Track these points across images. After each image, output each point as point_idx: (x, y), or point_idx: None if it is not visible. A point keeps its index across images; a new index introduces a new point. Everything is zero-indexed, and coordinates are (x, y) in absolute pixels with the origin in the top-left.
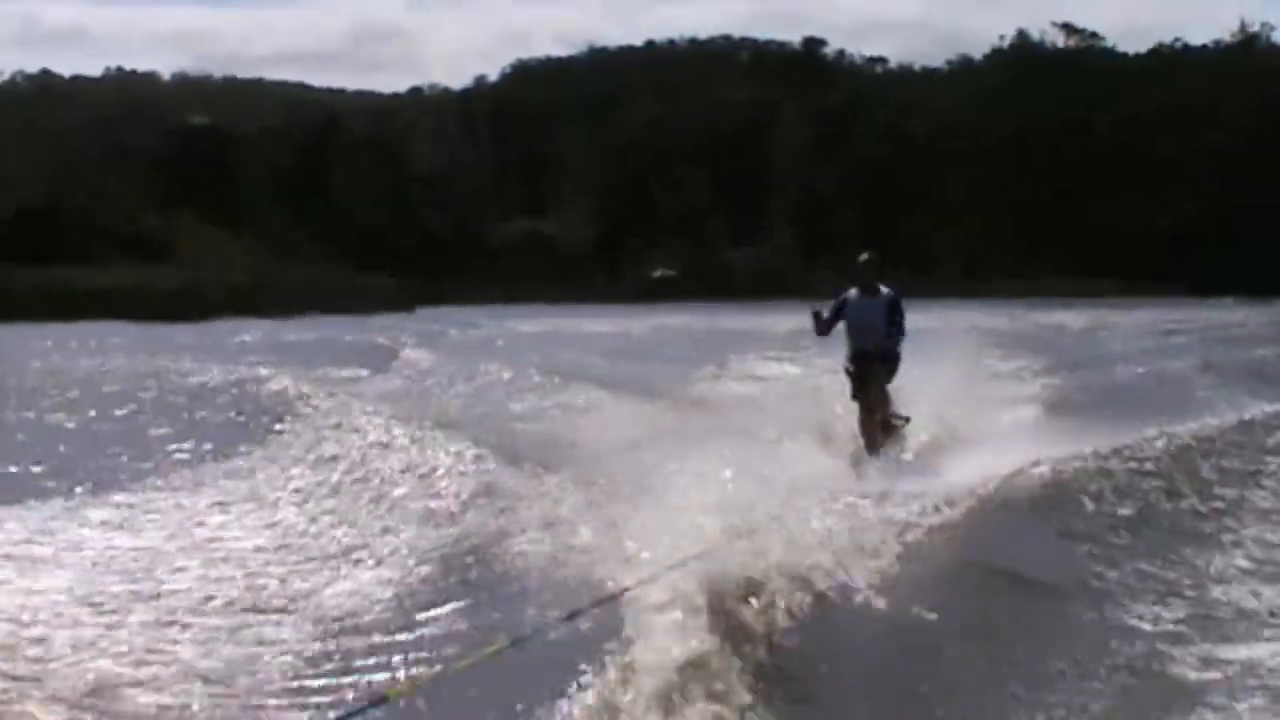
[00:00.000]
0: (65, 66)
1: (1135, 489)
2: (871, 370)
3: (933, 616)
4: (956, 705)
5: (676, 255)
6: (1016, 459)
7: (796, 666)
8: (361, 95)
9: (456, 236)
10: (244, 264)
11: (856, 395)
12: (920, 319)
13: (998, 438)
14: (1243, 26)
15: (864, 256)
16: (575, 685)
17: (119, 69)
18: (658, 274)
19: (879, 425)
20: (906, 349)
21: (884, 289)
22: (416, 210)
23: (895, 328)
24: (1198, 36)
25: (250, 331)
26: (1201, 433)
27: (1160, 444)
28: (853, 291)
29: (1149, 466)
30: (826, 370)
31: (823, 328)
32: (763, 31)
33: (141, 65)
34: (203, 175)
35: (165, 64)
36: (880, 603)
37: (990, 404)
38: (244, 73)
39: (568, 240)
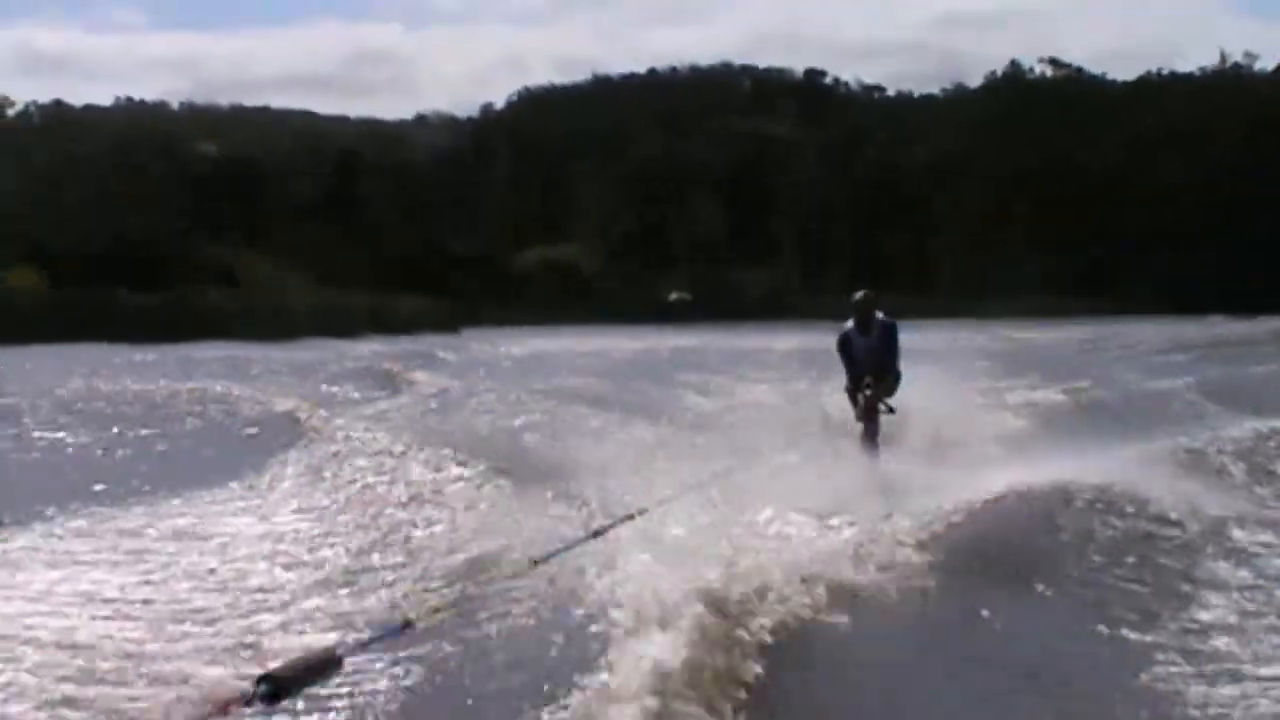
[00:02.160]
0: (59, 93)
1: (1120, 504)
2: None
3: (916, 629)
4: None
5: (688, 280)
6: (1005, 473)
7: (779, 680)
8: (367, 122)
9: (482, 263)
10: (299, 288)
11: (860, 416)
12: (916, 340)
13: (986, 452)
14: (1223, 57)
15: (859, 295)
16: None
17: (129, 99)
18: (673, 297)
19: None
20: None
21: (880, 316)
22: (444, 238)
23: (892, 357)
24: (1183, 65)
25: (355, 347)
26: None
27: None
28: (850, 326)
29: (1133, 483)
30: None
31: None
32: (762, 57)
33: (135, 91)
34: (237, 205)
35: (160, 90)
36: (865, 616)
37: (978, 418)
38: (239, 98)
39: (585, 266)
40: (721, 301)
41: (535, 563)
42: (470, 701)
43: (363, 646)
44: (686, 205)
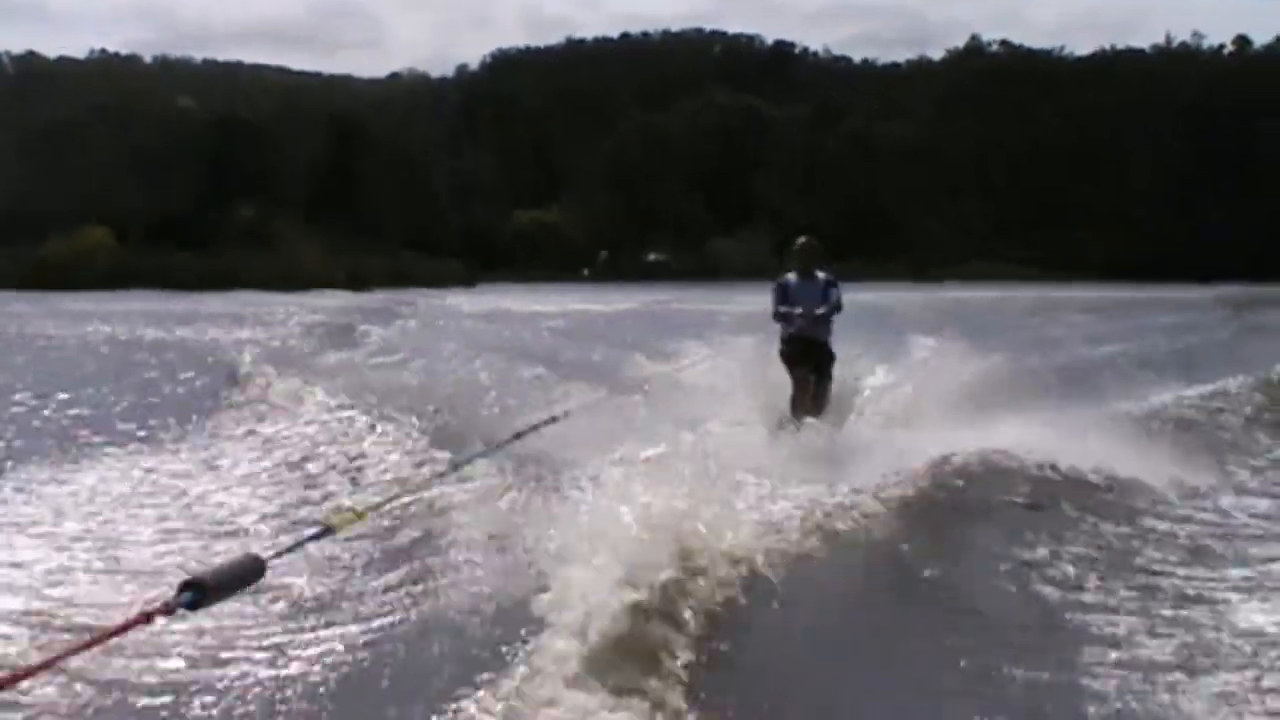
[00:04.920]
0: (22, 43)
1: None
2: (807, 364)
3: (857, 597)
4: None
5: (667, 244)
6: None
7: (723, 651)
8: (341, 80)
9: (477, 225)
10: (322, 248)
11: (792, 372)
12: (874, 296)
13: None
14: (1168, 39)
15: (800, 241)
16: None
17: (103, 51)
18: (651, 258)
19: (813, 401)
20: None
21: (821, 274)
22: (437, 199)
23: (829, 305)
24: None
25: (403, 297)
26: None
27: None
28: (791, 275)
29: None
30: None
31: (776, 314)
32: (729, 21)
33: (99, 42)
34: (243, 168)
35: (125, 41)
36: (805, 587)
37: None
38: (203, 50)
39: (571, 230)
40: (701, 265)
41: (456, 465)
42: (385, 601)
43: (285, 552)
44: (665, 177)
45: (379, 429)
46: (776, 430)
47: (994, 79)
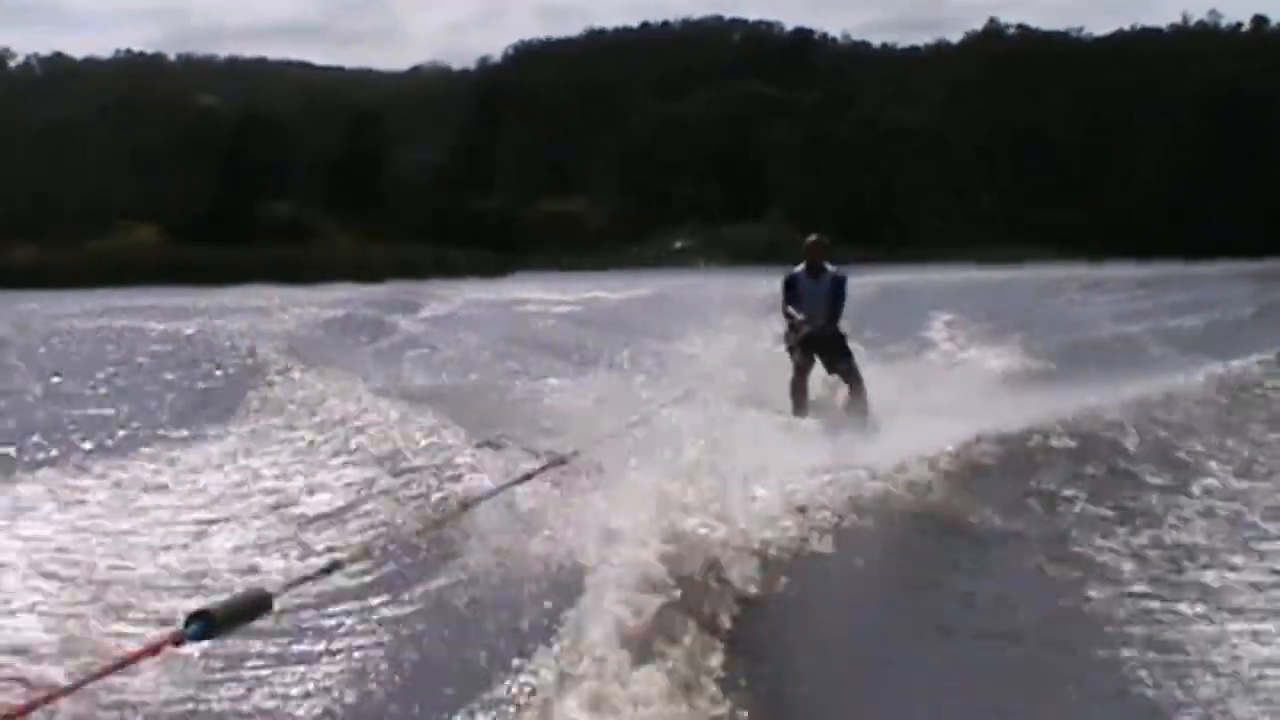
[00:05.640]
0: (40, 45)
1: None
2: (821, 353)
3: (882, 577)
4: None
5: (690, 232)
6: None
7: (751, 630)
8: (363, 73)
9: (500, 215)
10: (360, 241)
11: (794, 358)
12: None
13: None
14: (1185, 18)
15: (811, 238)
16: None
17: (127, 51)
18: (678, 245)
19: (847, 378)
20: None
21: (830, 268)
22: (462, 194)
23: (835, 311)
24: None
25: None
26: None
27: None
28: (800, 270)
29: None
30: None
31: (785, 312)
32: (748, 8)
33: (112, 41)
34: (267, 164)
35: (147, 40)
36: (833, 566)
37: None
38: (219, 47)
39: (594, 219)
40: (721, 251)
41: (465, 506)
42: (393, 639)
43: (292, 586)
44: (685, 166)
45: (443, 430)
46: (790, 425)
47: (1009, 61)
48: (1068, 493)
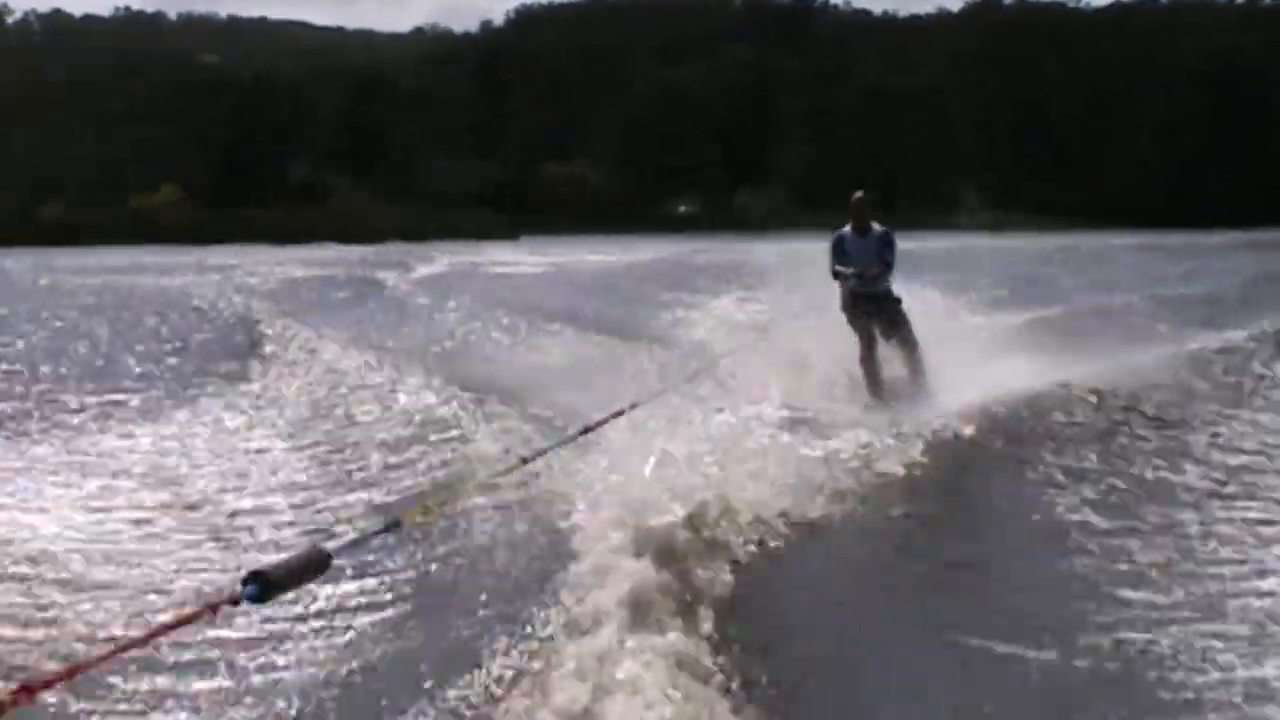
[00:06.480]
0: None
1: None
2: (874, 320)
3: (891, 549)
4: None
5: (694, 197)
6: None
7: (754, 598)
8: (364, 35)
9: (510, 179)
10: (372, 204)
11: (855, 326)
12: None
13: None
14: None
15: (857, 195)
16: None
17: (126, 9)
18: (682, 210)
19: (902, 347)
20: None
21: (876, 226)
22: (465, 154)
23: (886, 265)
24: None
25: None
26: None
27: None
28: (847, 229)
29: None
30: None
31: (834, 272)
32: None
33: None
34: (273, 125)
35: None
36: (844, 535)
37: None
38: (218, 5)
39: (600, 184)
40: (725, 216)
41: (524, 460)
42: (455, 599)
43: (352, 545)
44: (687, 133)
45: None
46: (864, 410)
47: (1008, 31)
48: (1065, 463)
